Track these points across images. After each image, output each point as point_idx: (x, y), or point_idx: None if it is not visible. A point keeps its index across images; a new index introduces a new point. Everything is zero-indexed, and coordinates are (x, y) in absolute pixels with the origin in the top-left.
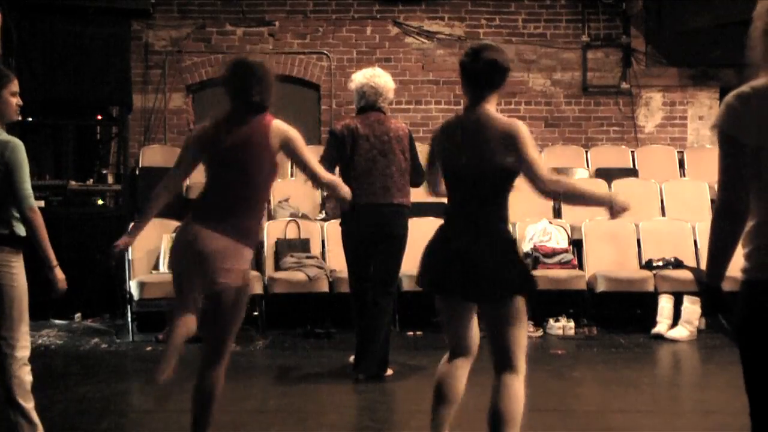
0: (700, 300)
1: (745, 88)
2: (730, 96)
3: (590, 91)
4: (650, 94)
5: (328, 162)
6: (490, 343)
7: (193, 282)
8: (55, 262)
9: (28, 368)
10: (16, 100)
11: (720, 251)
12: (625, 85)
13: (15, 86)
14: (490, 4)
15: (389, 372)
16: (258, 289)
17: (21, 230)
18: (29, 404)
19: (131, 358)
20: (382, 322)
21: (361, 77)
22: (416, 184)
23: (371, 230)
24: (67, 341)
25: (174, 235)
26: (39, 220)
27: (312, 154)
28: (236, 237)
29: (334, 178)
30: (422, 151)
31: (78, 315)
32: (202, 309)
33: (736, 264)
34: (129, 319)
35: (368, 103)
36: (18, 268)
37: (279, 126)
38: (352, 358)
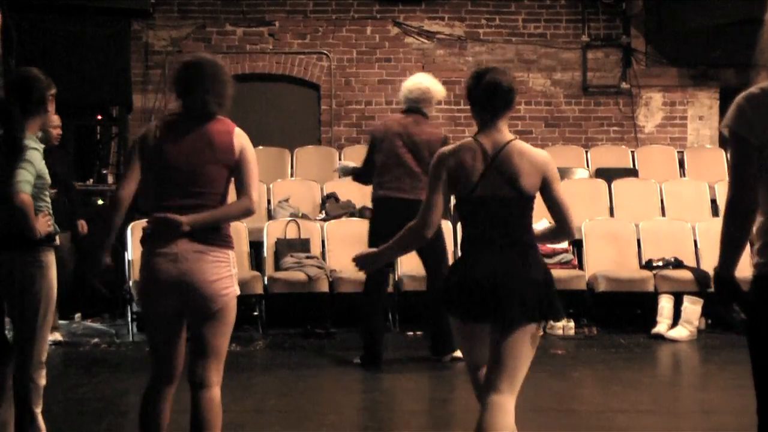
0: (701, 300)
1: (754, 89)
2: (740, 96)
3: (590, 91)
4: (650, 94)
5: (366, 164)
6: (492, 360)
7: (182, 318)
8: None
9: (44, 371)
10: (53, 108)
11: (730, 245)
12: (625, 85)
13: (52, 90)
14: (490, 4)
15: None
16: (258, 289)
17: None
18: (38, 408)
19: (131, 358)
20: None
21: (410, 81)
22: None
23: (398, 224)
24: (67, 341)
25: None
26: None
27: (257, 177)
28: (211, 244)
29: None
30: None
31: (78, 315)
32: (194, 334)
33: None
34: (129, 319)
35: (411, 105)
36: (41, 268)
37: (242, 134)
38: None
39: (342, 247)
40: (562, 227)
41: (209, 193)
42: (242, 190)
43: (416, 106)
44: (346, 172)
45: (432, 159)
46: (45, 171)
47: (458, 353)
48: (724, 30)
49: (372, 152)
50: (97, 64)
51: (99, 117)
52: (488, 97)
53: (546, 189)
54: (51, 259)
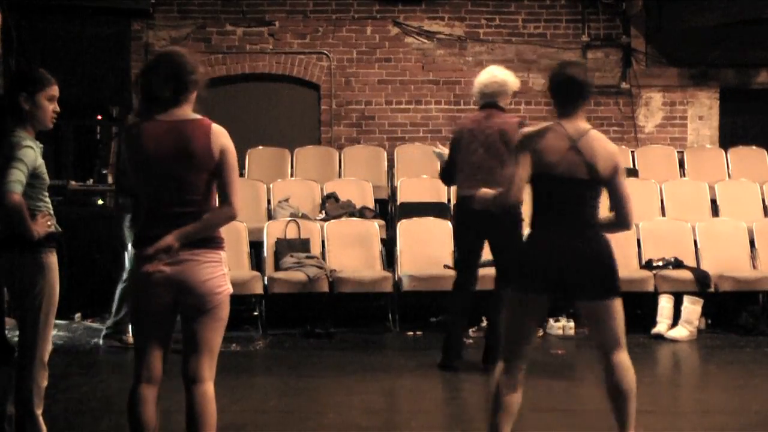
0: (701, 300)
1: None
2: None
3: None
4: (650, 94)
5: (447, 165)
6: (595, 332)
7: (171, 320)
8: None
9: (46, 373)
10: (53, 106)
11: None
12: (625, 85)
13: (54, 91)
14: (490, 4)
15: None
16: (258, 289)
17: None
18: (39, 410)
19: (131, 358)
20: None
21: (483, 76)
22: None
23: (475, 222)
24: (67, 341)
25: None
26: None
27: (237, 179)
28: (202, 247)
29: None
30: (423, 152)
31: (78, 315)
32: (187, 332)
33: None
34: (129, 319)
35: (485, 99)
36: (42, 269)
37: (220, 131)
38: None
39: (342, 247)
40: (621, 218)
41: (195, 200)
42: (223, 196)
43: (492, 101)
44: (441, 158)
45: (515, 140)
46: (43, 170)
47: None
48: (724, 30)
49: (451, 153)
50: (97, 64)
51: (99, 117)
52: (566, 89)
53: (613, 178)
54: (52, 260)
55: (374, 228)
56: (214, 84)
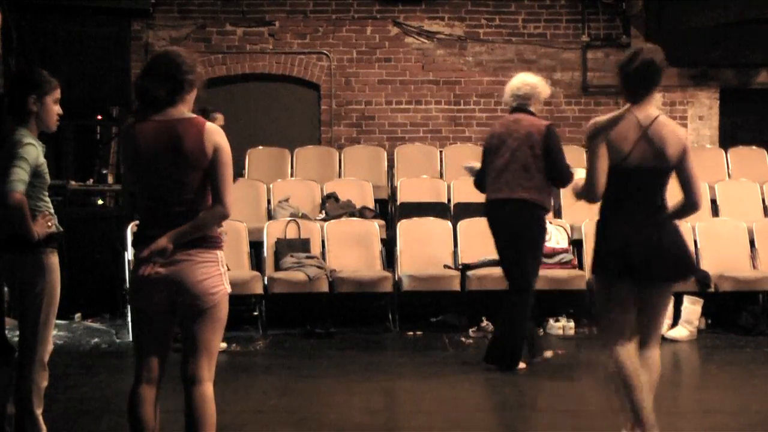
0: (701, 300)
1: None
2: None
3: (590, 91)
4: None
5: (480, 171)
6: (644, 321)
7: (170, 321)
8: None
9: (46, 373)
10: (57, 109)
11: None
12: None
13: (58, 93)
14: (490, 4)
15: (521, 366)
16: (258, 289)
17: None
18: (39, 410)
19: (131, 358)
20: (509, 316)
21: (516, 80)
22: (555, 181)
23: (498, 225)
24: (67, 341)
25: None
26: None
27: (231, 178)
28: (198, 247)
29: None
30: (423, 152)
31: (78, 315)
32: (186, 332)
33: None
34: (129, 319)
35: (516, 102)
36: (42, 270)
37: (214, 129)
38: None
39: (342, 247)
40: (690, 201)
41: (190, 200)
42: (215, 195)
43: (522, 104)
44: (472, 172)
45: (589, 133)
46: (45, 169)
47: (548, 353)
48: (724, 30)
49: (484, 159)
50: (97, 64)
51: (99, 117)
52: (642, 74)
53: (682, 162)
54: (52, 260)
55: (374, 228)
56: (214, 84)
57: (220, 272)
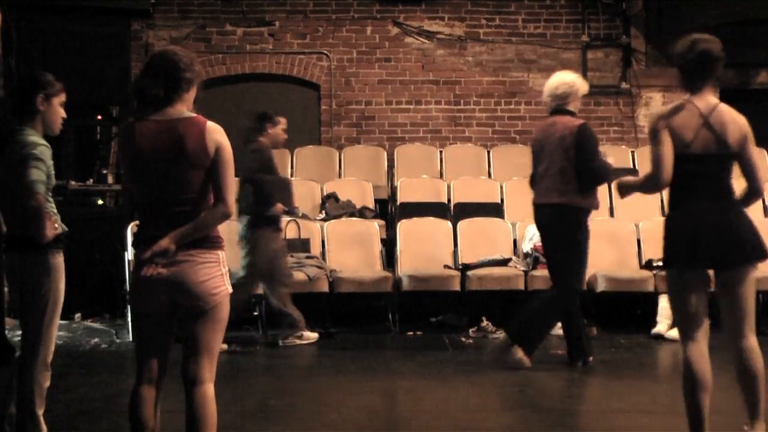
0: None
1: None
2: None
3: (590, 91)
4: (650, 94)
5: (532, 175)
6: (730, 311)
7: (170, 321)
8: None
9: (48, 373)
10: (61, 112)
11: None
12: (625, 85)
13: (64, 97)
14: (490, 4)
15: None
16: (258, 289)
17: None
18: (41, 410)
19: (131, 358)
20: (540, 312)
21: (553, 80)
22: (588, 181)
23: (540, 229)
24: (67, 341)
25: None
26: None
27: (233, 177)
28: (199, 248)
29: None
30: (423, 152)
31: (78, 315)
32: (186, 333)
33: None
34: (129, 319)
35: (555, 103)
36: (48, 270)
37: (215, 128)
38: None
39: (342, 247)
40: (753, 188)
41: (191, 199)
42: (217, 195)
43: (560, 105)
44: (625, 172)
45: (651, 125)
46: (52, 171)
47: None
48: (724, 30)
49: (533, 164)
50: (97, 64)
51: (99, 117)
52: (700, 64)
53: (743, 149)
54: (58, 261)
55: (374, 228)
56: (214, 84)
57: (222, 272)
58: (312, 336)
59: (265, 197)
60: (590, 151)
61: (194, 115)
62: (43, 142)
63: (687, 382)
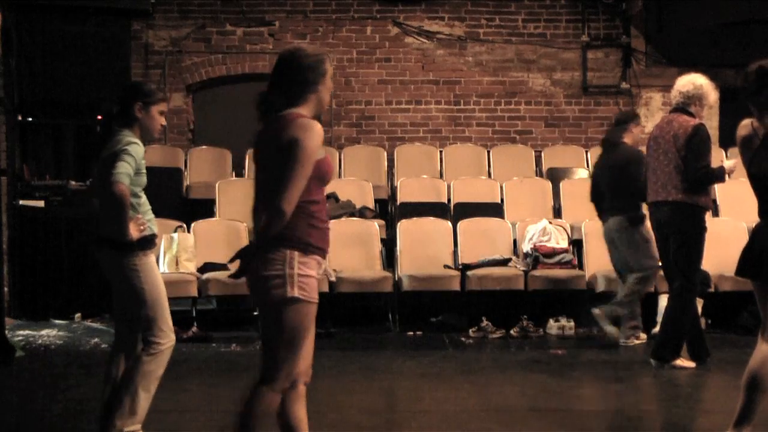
0: (701, 300)
1: None
2: None
3: (590, 91)
4: (650, 94)
5: (645, 174)
6: None
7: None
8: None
9: (158, 360)
10: (161, 120)
11: None
12: (625, 85)
13: (165, 107)
14: (490, 4)
15: (680, 362)
16: None
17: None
18: (145, 393)
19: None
20: (670, 313)
21: (682, 79)
22: (689, 182)
23: (655, 227)
24: (67, 341)
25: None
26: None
27: (296, 175)
28: (269, 242)
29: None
30: (423, 152)
31: (78, 315)
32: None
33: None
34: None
35: (677, 101)
36: (143, 269)
37: (299, 124)
38: None
39: (342, 247)
40: None
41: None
42: (272, 192)
43: (684, 104)
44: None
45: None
46: (144, 170)
47: (679, 362)
48: (724, 30)
49: (646, 162)
50: (97, 64)
51: (99, 117)
52: (756, 87)
53: None
54: (145, 261)
55: (374, 228)
56: (214, 84)
57: (283, 272)
58: None
59: None
60: (697, 152)
61: (293, 111)
62: (137, 140)
63: (754, 381)
